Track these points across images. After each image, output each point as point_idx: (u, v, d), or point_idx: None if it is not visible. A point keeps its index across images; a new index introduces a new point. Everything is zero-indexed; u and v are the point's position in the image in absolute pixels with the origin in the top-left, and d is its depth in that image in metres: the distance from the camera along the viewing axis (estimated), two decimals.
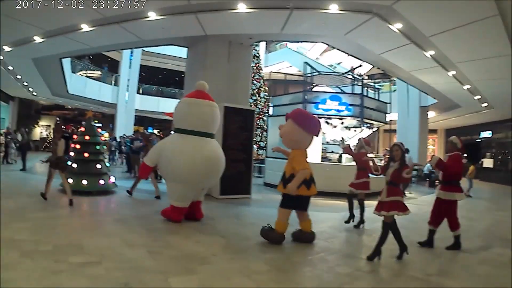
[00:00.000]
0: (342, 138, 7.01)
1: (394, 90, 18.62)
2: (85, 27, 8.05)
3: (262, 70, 17.13)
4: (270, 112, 14.06)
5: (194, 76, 9.31)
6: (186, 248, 4.45)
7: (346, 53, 11.26)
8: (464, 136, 22.05)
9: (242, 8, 6.86)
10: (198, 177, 5.64)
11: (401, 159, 4.47)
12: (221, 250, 4.45)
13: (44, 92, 18.72)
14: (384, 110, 12.61)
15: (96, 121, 13.72)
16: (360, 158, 6.28)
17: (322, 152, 11.26)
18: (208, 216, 6.26)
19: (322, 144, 11.63)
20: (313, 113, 10.48)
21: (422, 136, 18.20)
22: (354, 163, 6.72)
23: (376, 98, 13.52)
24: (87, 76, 21.53)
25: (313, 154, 10.56)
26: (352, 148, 6.76)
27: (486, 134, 21.27)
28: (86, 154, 8.02)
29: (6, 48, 9.98)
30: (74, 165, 7.99)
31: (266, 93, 16.78)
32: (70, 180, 7.61)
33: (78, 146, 8.15)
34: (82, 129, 8.51)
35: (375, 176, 5.27)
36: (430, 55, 8.80)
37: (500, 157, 19.89)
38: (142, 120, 27.40)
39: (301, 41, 16.63)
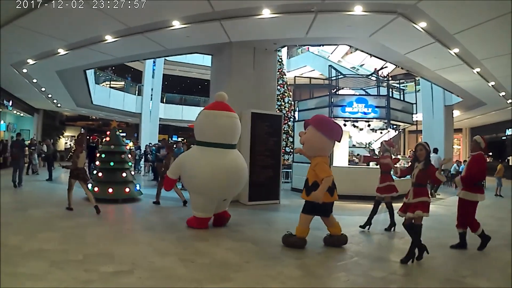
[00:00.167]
0: (359, 155, 6.76)
1: (418, 90, 18.21)
2: (109, 38, 8.12)
3: (285, 75, 17.01)
4: (296, 117, 13.85)
5: (220, 83, 9.28)
6: (218, 255, 4.34)
7: (370, 55, 11.07)
8: (489, 134, 21.54)
9: (266, 13, 6.75)
10: (218, 189, 5.62)
11: (425, 159, 4.36)
12: (253, 257, 4.32)
13: (68, 103, 19.12)
14: (410, 110, 12.24)
15: (120, 131, 13.84)
16: (382, 161, 6.22)
17: (348, 155, 11.01)
18: (237, 223, 6.17)
19: (349, 147, 11.39)
20: (340, 116, 10.34)
21: (448, 135, 17.76)
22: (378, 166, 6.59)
23: (402, 99, 13.15)
24: (110, 87, 21.91)
25: (340, 157, 10.38)
26: (376, 152, 6.54)
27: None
28: (111, 163, 8.11)
29: (30, 61, 10.15)
30: (100, 174, 8.09)
31: (290, 98, 16.61)
32: (96, 189, 7.72)
33: (103, 156, 8.26)
34: (107, 138, 8.62)
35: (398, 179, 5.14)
36: (455, 53, 8.60)
37: None
38: (166, 128, 27.70)
39: (326, 44, 16.46)
